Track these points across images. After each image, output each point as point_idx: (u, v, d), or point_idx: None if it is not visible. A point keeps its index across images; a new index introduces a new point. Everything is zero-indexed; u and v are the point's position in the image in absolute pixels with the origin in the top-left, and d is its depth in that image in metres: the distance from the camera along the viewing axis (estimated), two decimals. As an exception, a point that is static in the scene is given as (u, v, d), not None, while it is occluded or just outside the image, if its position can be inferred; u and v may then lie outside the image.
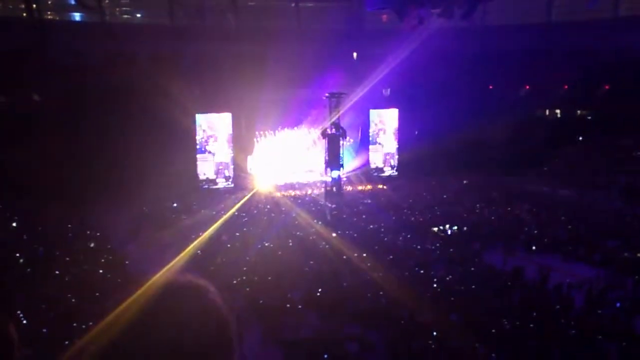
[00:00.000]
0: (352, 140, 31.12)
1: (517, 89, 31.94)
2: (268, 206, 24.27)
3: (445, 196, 25.98)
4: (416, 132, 31.41)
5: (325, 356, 10.41)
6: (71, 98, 23.08)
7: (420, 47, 24.21)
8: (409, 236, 19.51)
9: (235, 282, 14.15)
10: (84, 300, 12.13)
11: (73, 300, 12.44)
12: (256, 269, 15.18)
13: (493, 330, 11.25)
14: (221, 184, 28.24)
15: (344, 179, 27.91)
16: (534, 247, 18.43)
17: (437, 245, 18.58)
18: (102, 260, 15.64)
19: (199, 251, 16.60)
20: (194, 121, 27.33)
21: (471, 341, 10.70)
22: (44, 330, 10.57)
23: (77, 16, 28.99)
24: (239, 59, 25.86)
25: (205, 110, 27.56)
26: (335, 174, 25.64)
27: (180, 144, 25.54)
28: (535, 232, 19.91)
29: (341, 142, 26.28)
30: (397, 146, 32.25)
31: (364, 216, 22.56)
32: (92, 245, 17.47)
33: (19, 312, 10.69)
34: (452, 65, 27.64)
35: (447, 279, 14.81)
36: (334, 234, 19.06)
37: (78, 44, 24.59)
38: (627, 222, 21.00)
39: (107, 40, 25.45)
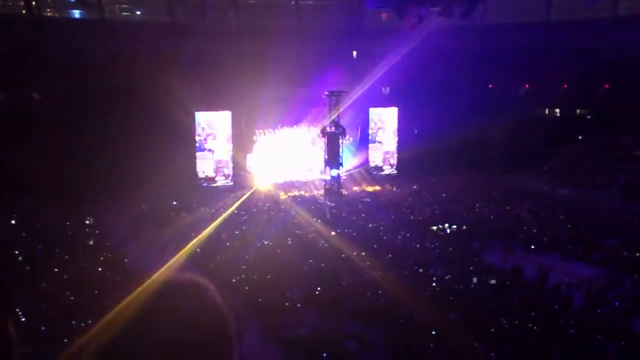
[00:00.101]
0: (351, 139, 31.12)
1: (516, 88, 31.97)
2: (267, 204, 24.28)
3: (444, 195, 25.98)
4: (416, 131, 31.43)
5: (325, 355, 10.42)
6: (71, 96, 23.08)
7: (420, 45, 24.21)
8: (408, 235, 19.51)
9: (234, 280, 14.15)
10: (83, 298, 12.13)
11: (72, 298, 12.44)
12: (255, 267, 15.18)
13: (492, 330, 11.25)
14: (220, 182, 28.23)
15: (344, 177, 27.91)
16: (533, 246, 18.42)
17: (437, 244, 18.58)
18: (102, 259, 15.64)
19: (198, 249, 16.60)
20: (194, 119, 27.32)
21: (470, 340, 10.70)
22: (43, 328, 10.57)
23: (76, 14, 28.99)
24: (239, 57, 25.87)
25: (205, 108, 27.55)
26: (334, 172, 25.64)
27: (180, 142, 25.54)
28: (535, 231, 19.91)
29: (341, 141, 26.29)
30: (396, 145, 32.25)
31: (363, 215, 22.57)
32: (91, 243, 17.48)
33: (18, 309, 10.69)
34: (451, 64, 27.66)
35: (446, 278, 14.82)
36: (333, 233, 19.07)
37: (78, 42, 24.59)
38: (627, 221, 21.00)
39: (107, 38, 25.45)
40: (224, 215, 21.23)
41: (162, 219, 20.68)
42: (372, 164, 32.02)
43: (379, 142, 32.21)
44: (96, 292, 12.47)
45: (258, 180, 28.82)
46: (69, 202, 19.78)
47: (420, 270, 15.47)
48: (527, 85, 31.91)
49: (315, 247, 17.66)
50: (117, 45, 25.20)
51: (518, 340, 10.91)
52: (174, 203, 23.52)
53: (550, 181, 27.48)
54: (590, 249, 17.67)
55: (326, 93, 26.23)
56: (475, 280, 14.31)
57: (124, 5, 30.62)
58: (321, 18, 32.45)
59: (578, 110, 33.59)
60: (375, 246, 17.59)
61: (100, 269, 14.74)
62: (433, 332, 11.06)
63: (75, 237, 18.02)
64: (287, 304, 13.01)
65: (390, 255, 16.69)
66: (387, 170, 32.32)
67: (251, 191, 26.66)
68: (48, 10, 28.16)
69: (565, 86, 31.02)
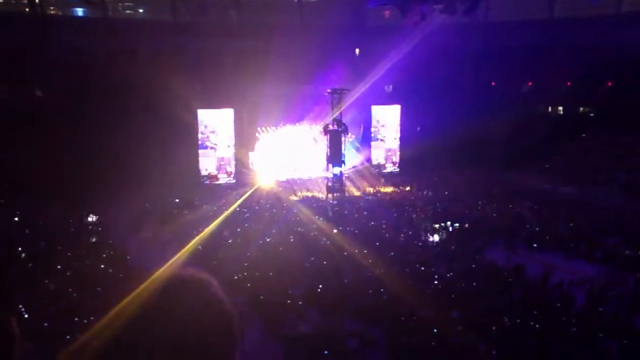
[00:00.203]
0: (353, 137, 31.09)
1: (519, 86, 31.92)
2: (270, 202, 24.28)
3: (446, 192, 25.96)
4: (418, 129, 31.39)
5: (326, 352, 10.43)
6: (73, 94, 23.11)
7: (423, 43, 24.17)
8: (410, 232, 19.51)
9: (236, 277, 14.16)
10: (85, 295, 12.16)
11: (75, 295, 12.46)
12: (257, 265, 15.20)
13: (494, 328, 11.25)
14: (223, 179, 28.24)
15: (346, 175, 27.87)
16: (535, 244, 18.39)
17: (438, 242, 18.57)
18: (104, 256, 15.67)
19: (200, 247, 16.62)
20: (196, 117, 27.31)
21: (472, 338, 10.70)
22: (46, 324, 10.60)
23: (79, 12, 28.99)
24: (241, 55, 25.88)
25: (208, 106, 27.52)
26: (336, 170, 25.59)
27: (182, 140, 25.56)
28: (537, 229, 19.89)
29: (343, 139, 26.24)
30: (399, 142, 32.22)
31: (365, 212, 22.57)
32: (93, 240, 17.51)
33: (20, 306, 10.72)
34: (454, 62, 27.62)
35: (448, 275, 14.82)
36: (335, 230, 19.07)
37: (80, 40, 24.62)
38: (628, 219, 20.97)
39: (109, 36, 25.49)
40: (226, 212, 21.23)
41: (164, 216, 20.72)
42: (374, 162, 31.99)
43: (382, 139, 32.19)
44: (98, 289, 12.50)
45: (260, 177, 28.82)
46: (71, 199, 19.81)
47: (422, 268, 15.48)
48: (529, 83, 31.85)
49: (317, 244, 17.67)
50: (120, 43, 25.22)
51: (519, 339, 10.91)
52: (177, 200, 23.53)
53: (552, 179, 27.44)
54: (591, 247, 17.65)
55: (328, 90, 26.13)
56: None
57: (126, 4, 30.63)
58: (324, 15, 32.39)
59: (581, 108, 33.51)
60: (377, 244, 17.60)
61: (102, 266, 14.77)
62: (434, 330, 11.06)
63: (78, 235, 18.08)
64: (288, 301, 13.01)
65: (392, 253, 16.69)
66: (390, 168, 32.30)
67: (253, 189, 26.65)
68: (51, 8, 28.17)
69: (569, 84, 30.95)
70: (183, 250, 15.52)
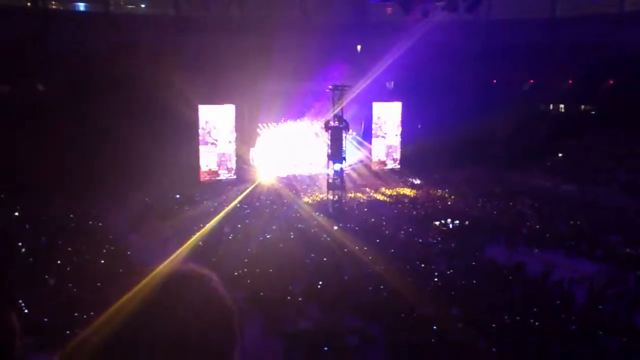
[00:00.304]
0: (354, 133, 31.06)
1: (520, 84, 31.84)
2: (270, 198, 24.28)
3: (447, 190, 25.96)
4: (419, 126, 31.38)
5: (326, 348, 10.43)
6: (74, 89, 23.09)
7: (425, 40, 24.11)
8: (410, 230, 19.51)
9: (236, 274, 14.16)
10: (85, 291, 12.16)
11: (75, 290, 12.47)
12: (258, 261, 15.20)
13: (494, 325, 11.26)
14: (224, 175, 28.22)
15: (347, 171, 27.84)
16: (535, 242, 18.38)
17: (439, 239, 18.58)
18: (104, 251, 15.68)
19: (200, 243, 16.62)
20: (197, 113, 27.28)
21: (472, 335, 10.71)
22: (46, 319, 10.60)
23: (81, 6, 28.94)
24: (242, 51, 25.82)
25: (209, 101, 27.47)
26: (337, 166, 25.56)
27: (183, 136, 25.54)
28: (537, 227, 19.90)
29: (344, 135, 26.20)
30: (400, 140, 32.20)
31: (365, 209, 22.57)
32: (94, 235, 17.50)
33: (21, 301, 10.72)
34: (456, 59, 27.58)
35: (448, 273, 14.83)
36: (335, 227, 19.07)
37: (81, 35, 24.57)
38: (629, 218, 20.99)
39: (110, 31, 25.43)
40: (227, 209, 21.24)
41: (165, 212, 20.73)
42: (375, 159, 31.97)
43: (383, 136, 32.17)
44: (99, 284, 12.50)
45: (261, 173, 28.81)
46: (72, 194, 19.82)
47: (422, 265, 15.48)
48: (531, 81, 31.80)
49: (318, 240, 17.67)
50: (121, 38, 25.17)
51: (520, 336, 10.91)
52: (177, 196, 23.53)
53: (553, 177, 27.43)
54: (592, 245, 17.67)
55: (330, 87, 26.06)
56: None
57: (128, -2, 30.61)
58: (325, 12, 32.34)
59: (582, 107, 33.46)
60: (377, 240, 17.61)
61: (103, 262, 14.77)
62: (434, 327, 11.07)
63: (78, 230, 18.06)
64: (289, 297, 13.01)
65: (392, 250, 16.70)
66: (390, 164, 32.29)
67: (254, 185, 26.65)
68: (52, 2, 28.13)
69: (570, 82, 30.90)
70: (183, 246, 15.53)
